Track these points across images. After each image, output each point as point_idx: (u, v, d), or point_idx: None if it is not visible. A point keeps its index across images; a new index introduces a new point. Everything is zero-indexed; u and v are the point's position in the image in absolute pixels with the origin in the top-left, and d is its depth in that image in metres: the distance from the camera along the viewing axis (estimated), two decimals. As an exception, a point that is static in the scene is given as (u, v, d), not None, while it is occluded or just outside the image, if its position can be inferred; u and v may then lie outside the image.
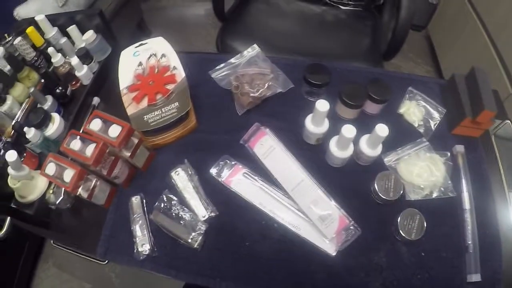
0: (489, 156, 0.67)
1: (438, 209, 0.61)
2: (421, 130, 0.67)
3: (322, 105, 0.55)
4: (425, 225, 0.56)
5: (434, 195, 0.61)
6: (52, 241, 1.04)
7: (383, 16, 1.10)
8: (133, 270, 1.24)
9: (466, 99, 0.67)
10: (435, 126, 0.67)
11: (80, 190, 0.57)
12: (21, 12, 0.97)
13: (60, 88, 0.71)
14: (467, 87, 0.68)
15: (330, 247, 0.55)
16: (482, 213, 0.60)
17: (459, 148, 0.66)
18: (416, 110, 0.68)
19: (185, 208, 0.57)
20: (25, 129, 0.64)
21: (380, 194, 0.58)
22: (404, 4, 0.88)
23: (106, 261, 1.02)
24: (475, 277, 0.55)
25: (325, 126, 0.59)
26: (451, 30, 1.47)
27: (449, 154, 0.64)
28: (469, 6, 1.31)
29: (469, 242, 0.58)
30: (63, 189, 0.63)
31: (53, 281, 1.24)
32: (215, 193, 0.60)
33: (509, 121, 0.73)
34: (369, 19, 1.09)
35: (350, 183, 0.61)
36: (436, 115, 0.69)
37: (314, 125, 0.59)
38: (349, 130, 0.53)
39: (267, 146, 0.61)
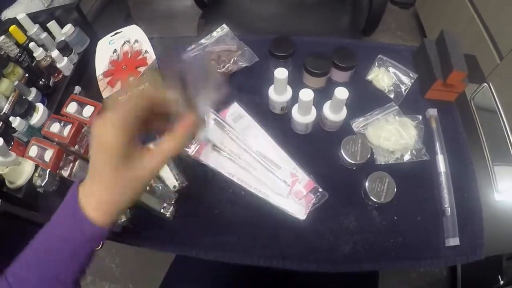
0: (468, 121, 0.66)
1: (411, 173, 0.60)
2: (391, 95, 0.67)
3: (280, 72, 0.56)
4: (395, 187, 0.56)
5: (406, 158, 0.61)
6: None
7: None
8: (133, 260, 1.28)
9: (436, 63, 0.66)
10: (406, 91, 0.67)
11: (60, 170, 0.61)
12: (8, 14, 1.02)
13: (43, 80, 0.74)
14: (438, 50, 0.68)
15: (299, 211, 0.56)
16: (460, 177, 0.59)
17: (432, 112, 0.65)
18: (385, 76, 0.68)
19: (157, 180, 0.59)
20: (11, 118, 0.68)
21: (346, 158, 0.58)
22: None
23: (100, 246, 1.06)
24: (453, 241, 0.54)
25: (288, 94, 0.60)
26: (437, 6, 1.46)
27: (420, 117, 0.64)
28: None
29: (446, 206, 0.57)
30: (47, 171, 0.67)
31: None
32: (185, 165, 0.61)
33: (486, 84, 0.72)
34: (349, -3, 1.09)
35: (317, 149, 0.62)
36: (406, 80, 0.69)
37: (277, 93, 0.60)
38: (306, 94, 0.54)
39: (236, 115, 0.63)
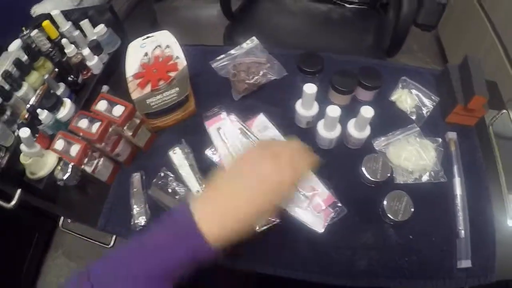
0: (486, 147, 0.68)
1: (428, 194, 0.61)
2: (413, 117, 0.69)
3: (310, 87, 0.57)
4: (413, 207, 0.56)
5: (424, 179, 0.62)
6: (61, 225, 1.09)
7: (388, 14, 1.12)
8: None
9: (458, 87, 0.68)
10: (427, 114, 0.69)
11: (85, 166, 0.62)
12: (38, 10, 1.05)
13: (72, 76, 0.76)
14: (460, 75, 0.69)
15: (317, 224, 0.57)
16: (475, 200, 0.60)
17: (451, 135, 0.67)
18: (408, 97, 0.69)
19: (180, 184, 0.60)
20: (38, 110, 0.70)
21: (367, 176, 0.59)
22: (405, 0, 0.90)
23: (111, 244, 1.07)
24: (465, 263, 0.55)
25: (314, 109, 0.62)
26: (460, 30, 1.47)
27: (440, 140, 0.65)
28: (477, 5, 1.32)
29: (460, 228, 0.58)
30: (70, 166, 0.68)
31: (62, 269, 1.29)
32: (209, 171, 0.63)
33: (506, 111, 0.74)
34: (374, 17, 1.12)
35: (339, 165, 0.63)
36: (428, 103, 0.70)
37: (304, 108, 0.61)
38: (333, 110, 0.56)
39: (262, 126, 0.64)
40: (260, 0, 1.17)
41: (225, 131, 0.65)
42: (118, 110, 0.61)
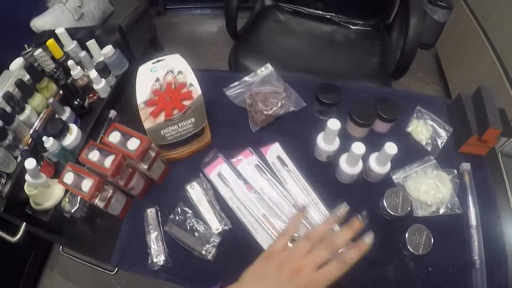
0: (495, 174, 0.69)
1: (445, 225, 0.62)
2: (429, 148, 0.69)
3: (334, 123, 0.57)
4: (432, 240, 0.57)
5: (441, 211, 0.63)
6: (61, 249, 1.04)
7: (392, 35, 1.13)
8: (140, 283, 1.24)
9: (472, 118, 0.68)
10: (442, 145, 0.69)
11: (97, 200, 0.59)
12: (37, 23, 1.00)
13: (78, 100, 0.73)
14: (474, 105, 0.70)
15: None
16: (489, 230, 0.61)
17: (466, 166, 0.67)
18: (423, 128, 0.70)
19: (199, 221, 0.58)
20: (44, 138, 0.66)
21: (388, 210, 0.59)
22: (412, 24, 0.91)
23: (115, 271, 1.03)
24: None
25: (336, 144, 0.61)
26: (459, 49, 1.49)
27: (455, 171, 0.66)
28: (476, 25, 1.34)
29: (476, 258, 0.59)
30: (78, 198, 0.65)
31: (58, 289, 1.25)
32: (230, 207, 0.61)
33: (514, 139, 0.75)
34: (378, 38, 1.12)
35: (359, 199, 0.63)
36: (443, 133, 0.71)
37: (326, 143, 0.61)
38: (358, 147, 0.55)
39: (276, 155, 0.63)
40: (264, 20, 1.16)
41: (226, 176, 0.64)
42: (133, 143, 0.59)
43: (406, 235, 0.58)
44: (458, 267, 0.58)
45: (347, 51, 1.08)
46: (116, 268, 1.03)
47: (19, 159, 0.71)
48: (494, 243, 0.60)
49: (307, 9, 1.18)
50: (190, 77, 0.68)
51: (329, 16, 1.15)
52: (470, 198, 0.65)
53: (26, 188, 0.66)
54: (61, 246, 1.01)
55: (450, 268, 0.58)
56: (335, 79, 0.72)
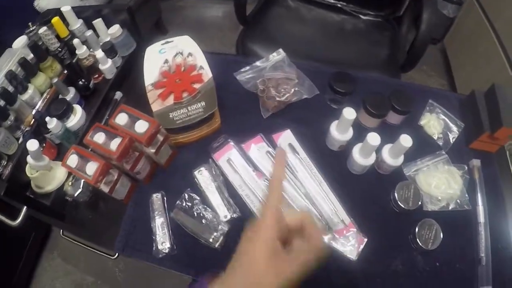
0: (503, 172, 0.68)
1: (453, 221, 0.61)
2: (440, 142, 0.68)
3: (349, 112, 0.55)
4: (442, 236, 0.57)
5: (451, 207, 0.62)
6: (61, 232, 1.03)
7: (401, 27, 1.11)
8: (137, 266, 1.24)
9: (485, 115, 0.68)
10: (453, 140, 0.68)
11: (101, 184, 0.57)
12: (41, 3, 0.97)
13: (83, 80, 0.71)
14: (486, 103, 0.69)
15: (351, 252, 0.56)
16: (496, 227, 0.61)
17: (476, 162, 0.67)
18: (436, 123, 0.69)
19: (207, 208, 0.57)
20: (47, 119, 0.64)
21: (399, 203, 0.58)
22: (424, 17, 0.89)
23: (115, 255, 1.01)
24: None
25: (349, 133, 0.60)
26: (468, 45, 1.46)
27: (466, 167, 0.65)
28: (486, 22, 1.31)
29: (482, 255, 0.59)
30: (82, 181, 0.63)
31: (56, 272, 1.24)
32: (238, 194, 0.60)
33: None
34: (388, 29, 1.10)
35: (369, 191, 0.62)
36: (454, 128, 0.70)
37: (339, 132, 0.59)
38: (374, 138, 0.54)
39: (287, 142, 0.61)
40: (273, 6, 1.13)
41: (236, 162, 0.63)
42: (142, 126, 0.57)
43: (417, 229, 0.57)
44: (465, 263, 0.58)
45: (356, 41, 1.06)
46: (117, 254, 1.02)
47: (20, 140, 0.69)
48: (500, 241, 0.60)
49: (318, -3, 1.16)
50: (200, 60, 0.66)
51: (340, 5, 1.13)
52: (479, 195, 0.64)
53: (27, 170, 0.64)
54: (61, 230, 1.00)
55: (457, 264, 0.58)
56: (344, 69, 0.71)
